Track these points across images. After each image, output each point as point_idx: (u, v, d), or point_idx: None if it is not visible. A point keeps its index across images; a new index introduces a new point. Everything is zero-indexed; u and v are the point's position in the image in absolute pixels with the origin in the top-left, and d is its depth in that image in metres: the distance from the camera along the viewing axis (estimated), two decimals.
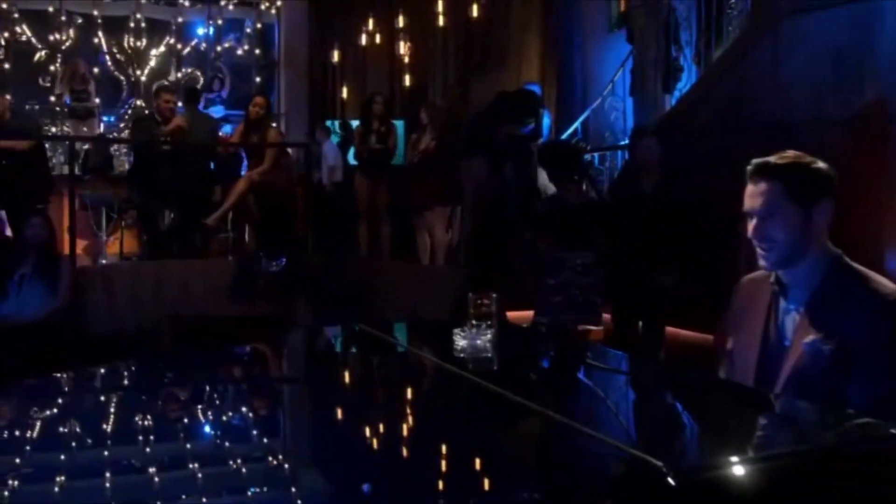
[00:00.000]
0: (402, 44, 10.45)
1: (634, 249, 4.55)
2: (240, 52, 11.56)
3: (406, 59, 11.27)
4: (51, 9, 10.39)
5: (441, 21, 10.65)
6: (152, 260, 5.72)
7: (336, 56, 11.12)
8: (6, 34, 10.41)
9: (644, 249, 4.51)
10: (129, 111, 10.73)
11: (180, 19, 11.12)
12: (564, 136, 7.21)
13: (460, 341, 2.09)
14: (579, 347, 3.19)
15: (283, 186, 6.17)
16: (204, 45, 11.56)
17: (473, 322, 2.18)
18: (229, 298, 5.07)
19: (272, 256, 5.03)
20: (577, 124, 7.35)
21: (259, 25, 11.35)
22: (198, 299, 5.09)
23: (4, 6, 10.28)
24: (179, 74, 11.34)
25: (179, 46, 11.26)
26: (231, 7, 10.83)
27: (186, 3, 10.66)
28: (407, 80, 10.94)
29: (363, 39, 10.90)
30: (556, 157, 6.76)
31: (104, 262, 6.13)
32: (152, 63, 11.49)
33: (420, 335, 2.69)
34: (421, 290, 5.14)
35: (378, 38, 11.10)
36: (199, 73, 11.40)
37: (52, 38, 10.58)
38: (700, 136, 5.37)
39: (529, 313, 5.80)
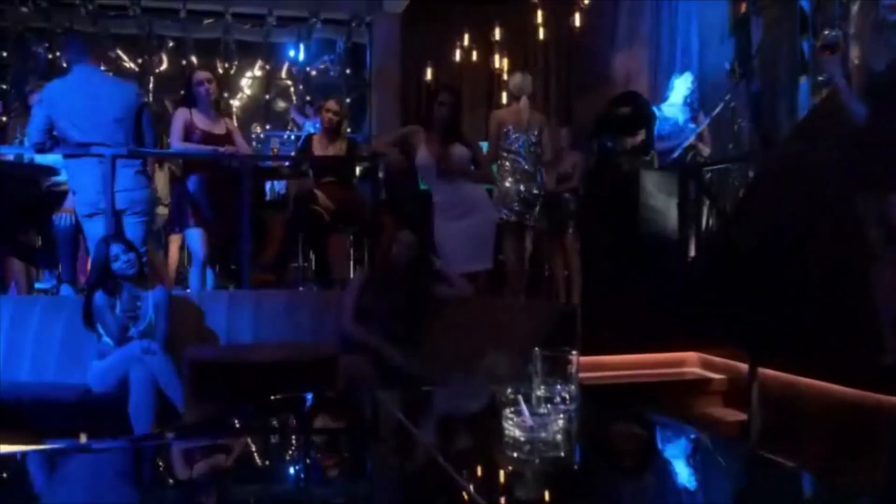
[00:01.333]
0: (498, 58, 9.69)
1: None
2: (332, 73, 11.11)
3: (504, 76, 10.57)
4: (136, 30, 10.18)
5: (541, 34, 9.90)
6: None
7: (430, 73, 10.50)
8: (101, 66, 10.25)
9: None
10: None
11: (268, 38, 10.73)
12: (680, 150, 6.25)
13: (513, 429, 1.28)
14: None
15: (363, 209, 5.45)
16: (294, 68, 11.17)
17: (540, 393, 1.36)
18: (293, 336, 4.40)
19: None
20: (692, 137, 6.39)
21: (349, 44, 10.85)
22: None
23: (93, 29, 10.11)
24: (268, 96, 10.97)
25: (268, 68, 10.88)
26: (320, 25, 10.34)
27: (274, 22, 10.20)
28: (504, 97, 10.20)
29: (458, 55, 10.23)
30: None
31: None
32: (244, 86, 11.19)
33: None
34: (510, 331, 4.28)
35: (474, 54, 10.43)
36: (291, 94, 11.01)
37: (140, 60, 10.38)
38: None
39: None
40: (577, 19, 9.23)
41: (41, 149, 4.57)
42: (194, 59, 10.65)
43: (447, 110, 4.67)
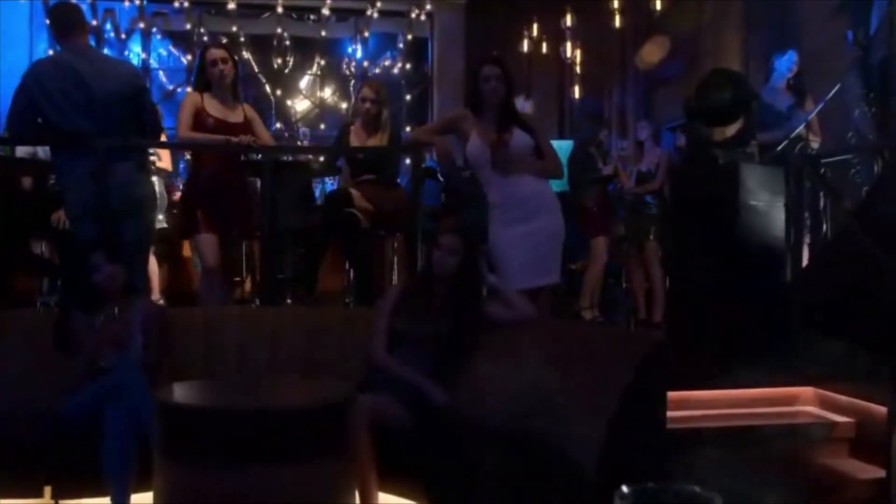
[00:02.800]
0: (570, 48, 8.75)
1: None
2: (395, 70, 10.35)
3: (577, 68, 9.63)
4: (188, 25, 9.60)
5: (618, 21, 8.93)
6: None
7: None
8: (144, 55, 9.72)
9: None
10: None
11: (323, 33, 10.02)
12: (787, 141, 5.20)
13: None
14: None
15: (407, 212, 4.58)
16: (353, 63, 10.45)
17: None
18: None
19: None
20: (800, 126, 5.34)
21: (410, 37, 10.06)
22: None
23: (142, 25, 9.58)
24: (325, 95, 10.26)
25: (323, 62, 10.17)
26: (375, 16, 9.57)
27: (327, 12, 9.47)
28: (577, 91, 9.27)
29: (526, 46, 9.33)
30: None
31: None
32: (301, 83, 10.53)
33: None
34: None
35: (544, 45, 9.52)
36: (350, 92, 10.28)
37: (188, 58, 9.80)
38: None
39: None
40: (659, 2, 8.24)
41: (21, 138, 3.87)
42: (246, 55, 10.04)
43: (496, 86, 3.77)
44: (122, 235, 3.80)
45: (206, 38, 9.74)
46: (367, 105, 4.69)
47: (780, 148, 5.13)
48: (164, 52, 10.22)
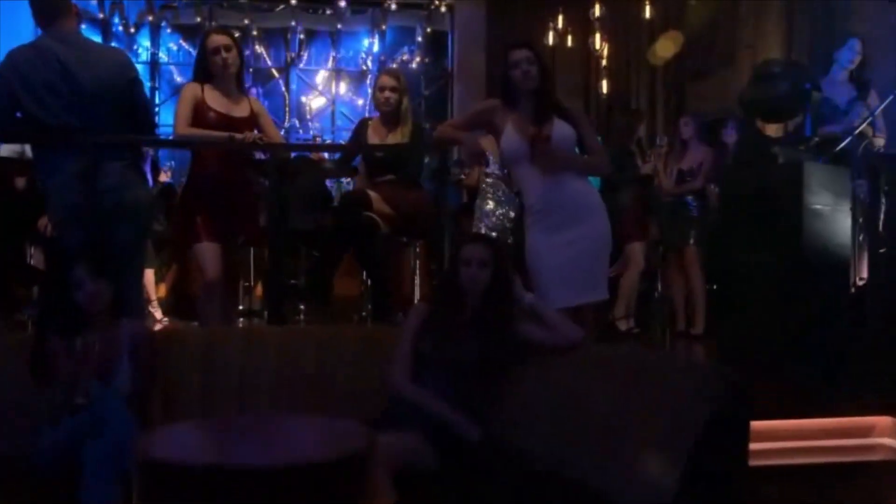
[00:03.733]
0: (599, 40, 8.24)
1: None
2: (413, 65, 9.89)
3: (604, 61, 9.12)
4: (198, 18, 9.17)
5: (647, 12, 8.40)
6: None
7: None
8: (152, 49, 9.30)
9: None
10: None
11: (339, 26, 9.57)
12: (849, 139, 4.67)
13: None
14: None
15: (431, 216, 4.09)
16: (369, 57, 10.00)
17: None
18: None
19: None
20: (862, 122, 4.81)
21: (429, 30, 9.58)
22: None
23: (150, 18, 9.15)
24: (340, 89, 9.80)
25: (339, 57, 9.71)
26: (394, 6, 9.09)
27: (343, 3, 9.00)
28: (605, 85, 8.75)
29: (551, 38, 8.83)
30: None
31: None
32: (316, 78, 10.08)
33: None
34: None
35: (570, 37, 9.01)
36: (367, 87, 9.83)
37: None
38: None
39: None
40: None
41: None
42: (259, 49, 9.61)
43: (528, 70, 3.27)
44: (112, 245, 3.34)
45: None
46: (387, 94, 4.19)
47: (840, 146, 4.61)
48: (173, 47, 9.79)
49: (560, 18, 8.95)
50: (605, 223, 3.35)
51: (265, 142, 3.59)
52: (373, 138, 4.24)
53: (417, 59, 9.96)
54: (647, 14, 8.39)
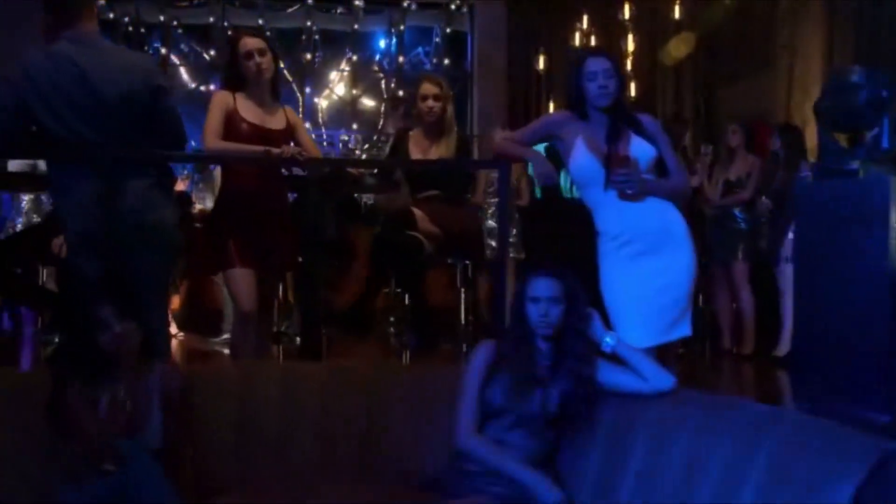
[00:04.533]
0: (631, 41, 7.84)
1: None
2: (428, 66, 9.48)
3: (629, 63, 8.72)
4: (211, 18, 8.77)
5: (676, 13, 8.01)
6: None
7: (542, 62, 8.72)
8: (164, 50, 8.88)
9: None
10: None
11: (356, 27, 9.16)
12: None
13: None
14: None
15: (475, 232, 3.70)
16: (386, 59, 9.60)
17: None
18: None
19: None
20: None
21: (448, 31, 9.18)
22: None
23: (162, 18, 8.74)
24: (355, 91, 9.39)
25: (355, 58, 9.30)
26: (414, 7, 8.68)
27: (360, 3, 8.59)
28: (633, 88, 8.34)
29: (577, 39, 8.42)
30: None
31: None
32: (331, 79, 9.67)
33: None
34: None
35: (592, 38, 8.60)
36: (381, 89, 9.43)
37: (212, 53, 8.96)
38: None
39: None
40: None
41: (9, 149, 3.03)
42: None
43: (605, 85, 2.89)
44: (134, 274, 2.94)
45: (230, 33, 8.92)
46: (430, 103, 3.81)
47: None
48: (184, 48, 9.39)
49: (585, 19, 8.55)
50: (690, 252, 2.96)
51: (305, 157, 3.19)
52: (414, 151, 3.86)
53: (434, 59, 9.56)
54: (677, 14, 8.02)
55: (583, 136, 2.94)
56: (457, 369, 3.01)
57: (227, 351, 5.16)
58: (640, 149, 2.91)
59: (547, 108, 9.21)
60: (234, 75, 3.33)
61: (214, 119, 3.22)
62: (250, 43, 3.29)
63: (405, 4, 8.77)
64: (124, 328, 2.41)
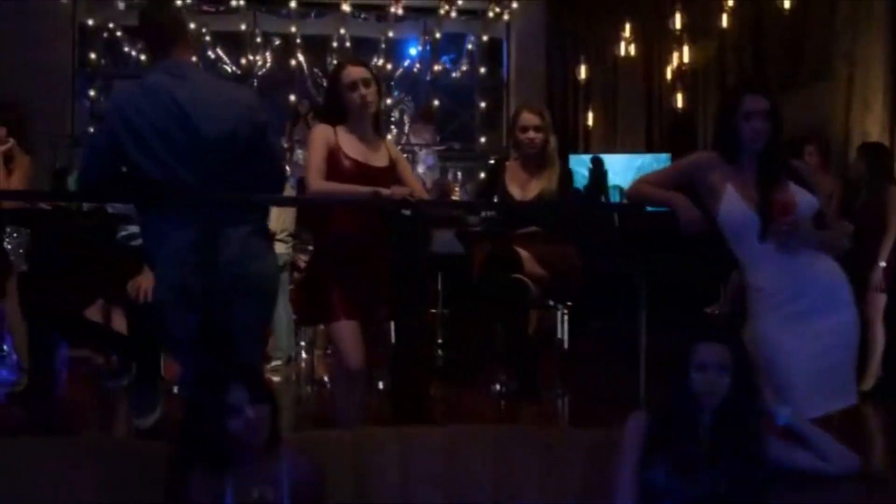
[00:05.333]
0: (687, 52, 7.54)
1: None
2: (455, 74, 9.18)
3: (668, 73, 8.43)
4: (243, 26, 8.43)
5: (724, 21, 7.71)
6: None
7: (584, 71, 8.42)
8: (194, 58, 8.54)
9: None
10: None
11: (391, 34, 8.84)
12: None
13: None
14: None
15: (578, 272, 3.40)
16: (418, 65, 9.29)
17: None
18: None
19: None
20: None
21: (485, 38, 8.86)
22: None
23: (193, 26, 8.39)
24: (389, 101, 9.07)
25: (390, 67, 8.98)
26: (453, 15, 8.36)
27: (400, 12, 8.26)
28: (680, 100, 8.05)
29: (623, 49, 8.13)
30: None
31: None
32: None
33: None
34: None
35: (633, 46, 8.30)
36: (409, 99, 9.10)
37: (244, 61, 8.63)
38: None
39: None
40: (787, 1, 7.01)
41: (99, 192, 2.71)
42: (301, 58, 8.88)
43: (762, 128, 2.60)
44: (230, 328, 2.63)
45: (258, 39, 8.59)
46: (531, 135, 3.49)
47: None
48: (211, 56, 9.05)
49: (627, 27, 8.26)
50: (854, 311, 2.66)
51: (417, 199, 2.87)
52: (512, 184, 3.55)
53: (464, 67, 9.25)
54: (724, 23, 7.72)
55: (733, 183, 2.64)
56: (594, 435, 2.73)
57: (276, 378, 4.90)
58: (804, 199, 2.61)
59: (587, 119, 8.92)
60: (335, 107, 3.01)
61: (318, 157, 2.90)
62: (355, 73, 2.97)
63: (441, 12, 8.45)
64: (257, 413, 2.09)
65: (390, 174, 3.03)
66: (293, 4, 7.92)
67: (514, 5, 8.11)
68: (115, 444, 2.79)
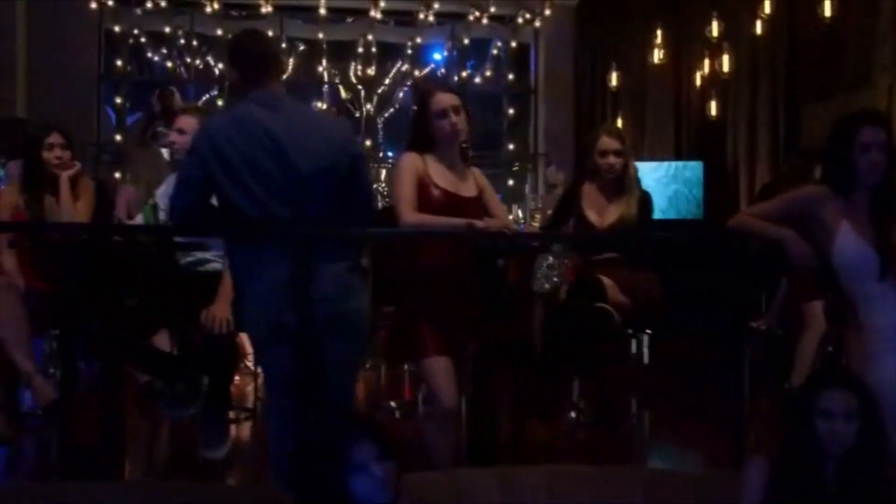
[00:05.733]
0: (727, 60, 7.44)
1: None
2: (478, 79, 9.08)
3: (698, 82, 8.33)
4: (270, 32, 8.29)
5: (759, 28, 7.59)
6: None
7: (615, 78, 8.32)
8: (220, 65, 8.42)
9: None
10: None
11: (419, 40, 8.73)
12: None
13: None
14: None
15: (658, 300, 3.32)
16: (442, 70, 9.19)
17: None
18: None
19: None
20: None
21: (514, 44, 8.76)
22: None
23: (220, 32, 8.28)
24: (415, 108, 8.97)
25: (417, 73, 8.88)
26: (485, 21, 8.25)
27: (431, 19, 8.14)
28: (713, 108, 7.95)
29: (654, 56, 8.02)
30: None
31: None
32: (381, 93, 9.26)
33: None
34: None
35: (661, 52, 8.19)
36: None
37: None
38: None
39: None
40: (828, 8, 6.91)
41: (191, 227, 2.62)
42: (325, 63, 8.77)
43: (878, 161, 2.52)
44: (323, 368, 2.53)
45: (283, 45, 8.46)
46: (611, 160, 3.40)
47: None
48: None
49: (659, 33, 8.15)
50: None
51: (512, 231, 2.77)
52: (589, 209, 3.46)
53: (487, 73, 9.16)
54: (759, 30, 7.62)
55: (848, 219, 2.55)
56: (703, 476, 2.65)
57: None
58: None
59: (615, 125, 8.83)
60: (423, 135, 2.91)
61: (408, 187, 2.79)
62: (445, 100, 2.86)
63: (471, 18, 8.33)
64: (385, 470, 1.99)
65: (478, 204, 2.93)
66: (322, 11, 7.75)
67: (547, 13, 7.98)
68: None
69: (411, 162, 2.87)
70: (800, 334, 5.13)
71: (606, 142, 3.44)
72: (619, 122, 8.76)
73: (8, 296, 3.37)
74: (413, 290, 2.86)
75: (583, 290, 3.27)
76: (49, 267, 3.36)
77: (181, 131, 3.46)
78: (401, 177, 2.85)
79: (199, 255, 3.45)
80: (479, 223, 2.77)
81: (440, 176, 2.88)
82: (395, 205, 2.83)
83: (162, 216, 3.27)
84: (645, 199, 3.47)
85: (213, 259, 3.44)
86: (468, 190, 2.93)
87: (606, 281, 3.27)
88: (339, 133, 2.63)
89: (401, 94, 9.31)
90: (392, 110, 9.43)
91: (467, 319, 2.87)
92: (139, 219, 3.35)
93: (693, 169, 8.24)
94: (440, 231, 2.77)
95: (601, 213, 3.45)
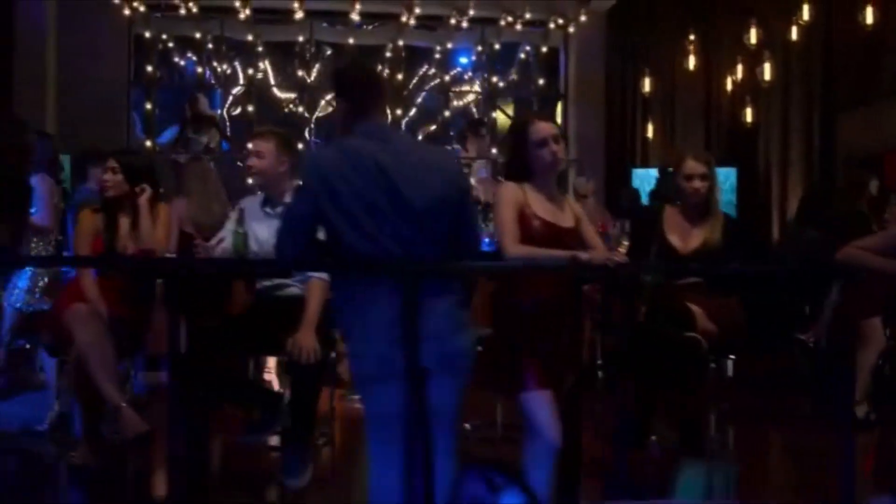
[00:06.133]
0: (769, 68, 7.38)
1: None
2: (501, 84, 9.06)
3: (728, 87, 8.28)
4: (301, 38, 8.25)
5: (794, 34, 7.54)
6: None
7: (647, 84, 8.27)
8: (250, 70, 8.37)
9: None
10: None
11: (449, 45, 8.68)
12: None
13: None
14: None
15: (742, 325, 3.30)
16: (469, 74, 9.16)
17: None
18: None
19: None
20: None
21: (545, 49, 8.71)
22: None
23: (250, 38, 8.22)
24: (447, 113, 8.92)
25: (448, 79, 8.82)
26: (519, 27, 8.20)
27: (465, 24, 8.08)
28: (750, 113, 7.89)
29: (690, 62, 7.97)
30: None
31: None
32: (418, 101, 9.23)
33: None
34: None
35: (695, 60, 8.14)
36: (473, 110, 8.95)
37: (300, 73, 8.47)
38: None
39: None
40: (870, 14, 6.86)
41: (297, 263, 2.57)
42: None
43: None
44: (437, 413, 2.49)
45: (312, 50, 8.40)
46: (697, 184, 3.36)
47: None
48: (262, 67, 8.89)
49: (692, 37, 8.09)
50: None
51: (616, 263, 2.73)
52: (671, 233, 3.41)
53: (514, 76, 9.13)
54: (794, 36, 7.56)
55: None
56: None
57: None
58: None
59: (646, 131, 8.78)
60: (522, 164, 2.86)
61: (509, 218, 2.75)
62: (545, 129, 2.81)
63: (503, 23, 8.28)
64: None
65: (576, 234, 2.89)
66: (355, 17, 7.69)
67: (583, 18, 7.92)
68: None
69: (512, 192, 2.82)
70: (859, 350, 5.11)
71: (692, 165, 3.40)
72: (650, 129, 8.74)
73: (93, 324, 3.31)
74: (516, 321, 2.81)
75: (672, 319, 3.23)
76: (132, 293, 3.32)
77: (259, 155, 3.41)
78: (502, 208, 2.80)
79: (278, 279, 3.41)
80: (583, 255, 2.72)
81: (540, 206, 2.83)
82: (497, 236, 2.77)
83: (254, 246, 3.22)
84: (729, 225, 3.43)
85: (292, 284, 3.40)
86: (566, 220, 2.88)
87: (695, 309, 3.23)
88: (450, 165, 2.58)
89: (419, 99, 9.30)
90: (413, 111, 9.40)
91: (567, 353, 2.83)
92: (226, 244, 3.29)
93: (727, 175, 8.20)
94: (545, 263, 2.71)
95: (684, 237, 3.41)
